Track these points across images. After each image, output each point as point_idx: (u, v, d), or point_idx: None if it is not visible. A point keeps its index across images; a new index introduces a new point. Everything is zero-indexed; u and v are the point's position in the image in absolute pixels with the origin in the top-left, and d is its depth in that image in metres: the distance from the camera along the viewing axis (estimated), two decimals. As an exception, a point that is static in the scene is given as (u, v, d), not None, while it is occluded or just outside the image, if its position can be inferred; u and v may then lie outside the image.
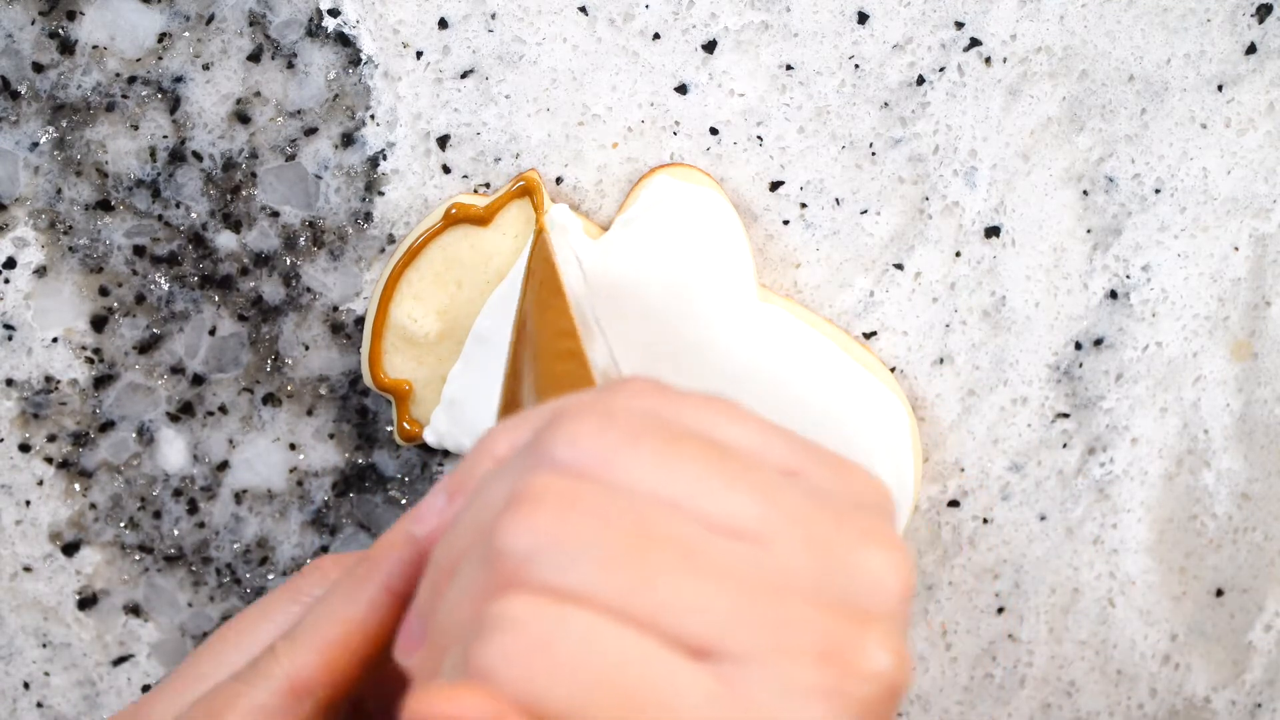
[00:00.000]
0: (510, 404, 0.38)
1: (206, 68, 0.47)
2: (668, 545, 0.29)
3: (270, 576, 0.51)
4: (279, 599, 0.37)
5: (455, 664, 0.29)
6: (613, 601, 0.29)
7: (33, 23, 0.46)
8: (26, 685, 0.52)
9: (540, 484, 0.29)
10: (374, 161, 0.48)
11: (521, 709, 0.28)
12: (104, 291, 0.49)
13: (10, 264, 0.48)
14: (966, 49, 0.48)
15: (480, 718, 0.28)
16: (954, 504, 0.53)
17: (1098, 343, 0.52)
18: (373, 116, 0.47)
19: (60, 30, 0.46)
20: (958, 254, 0.50)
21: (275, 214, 0.48)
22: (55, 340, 0.49)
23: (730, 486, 0.30)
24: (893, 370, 0.51)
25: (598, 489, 0.29)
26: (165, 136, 0.47)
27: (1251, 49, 0.49)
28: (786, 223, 0.49)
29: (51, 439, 0.50)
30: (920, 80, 0.48)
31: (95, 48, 0.46)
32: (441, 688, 0.28)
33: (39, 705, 0.52)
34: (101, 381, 0.49)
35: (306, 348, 0.50)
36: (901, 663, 0.30)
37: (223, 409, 0.50)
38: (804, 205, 0.49)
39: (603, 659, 0.28)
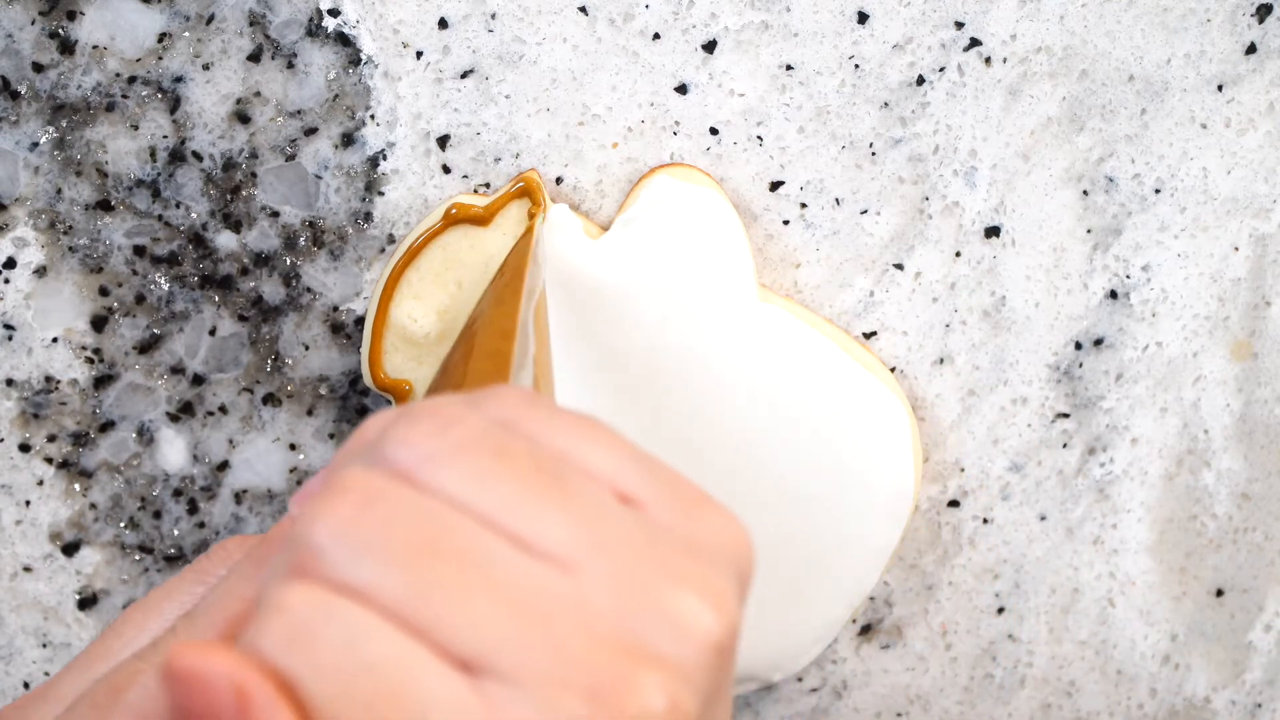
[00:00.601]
0: (432, 389, 0.39)
1: (206, 68, 0.47)
2: (459, 557, 0.29)
3: (270, 576, 0.52)
4: (184, 580, 0.37)
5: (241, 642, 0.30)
6: (389, 603, 0.29)
7: (33, 23, 0.46)
8: (26, 685, 0.52)
9: (351, 478, 0.30)
10: (374, 161, 0.48)
11: (280, 685, 0.29)
12: (104, 291, 0.49)
13: (10, 264, 0.48)
14: (966, 49, 0.48)
15: (220, 674, 0.28)
16: (954, 504, 0.53)
17: (1098, 343, 0.52)
18: (373, 116, 0.47)
19: (60, 30, 0.46)
20: (958, 254, 0.50)
21: (275, 214, 0.48)
22: (55, 340, 0.49)
23: (547, 509, 0.30)
24: (893, 370, 0.51)
25: (405, 492, 0.30)
26: (165, 136, 0.47)
27: (1251, 49, 0.49)
28: (786, 223, 0.49)
29: (51, 439, 0.50)
30: (920, 80, 0.48)
31: (95, 48, 0.46)
32: (197, 645, 0.29)
33: (39, 705, 0.52)
34: (101, 381, 0.49)
35: (306, 348, 0.50)
36: (677, 712, 0.29)
37: (223, 409, 0.50)
38: (804, 205, 0.49)
39: (365, 656, 0.29)
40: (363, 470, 0.30)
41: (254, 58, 0.47)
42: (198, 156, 0.48)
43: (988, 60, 0.48)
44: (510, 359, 0.39)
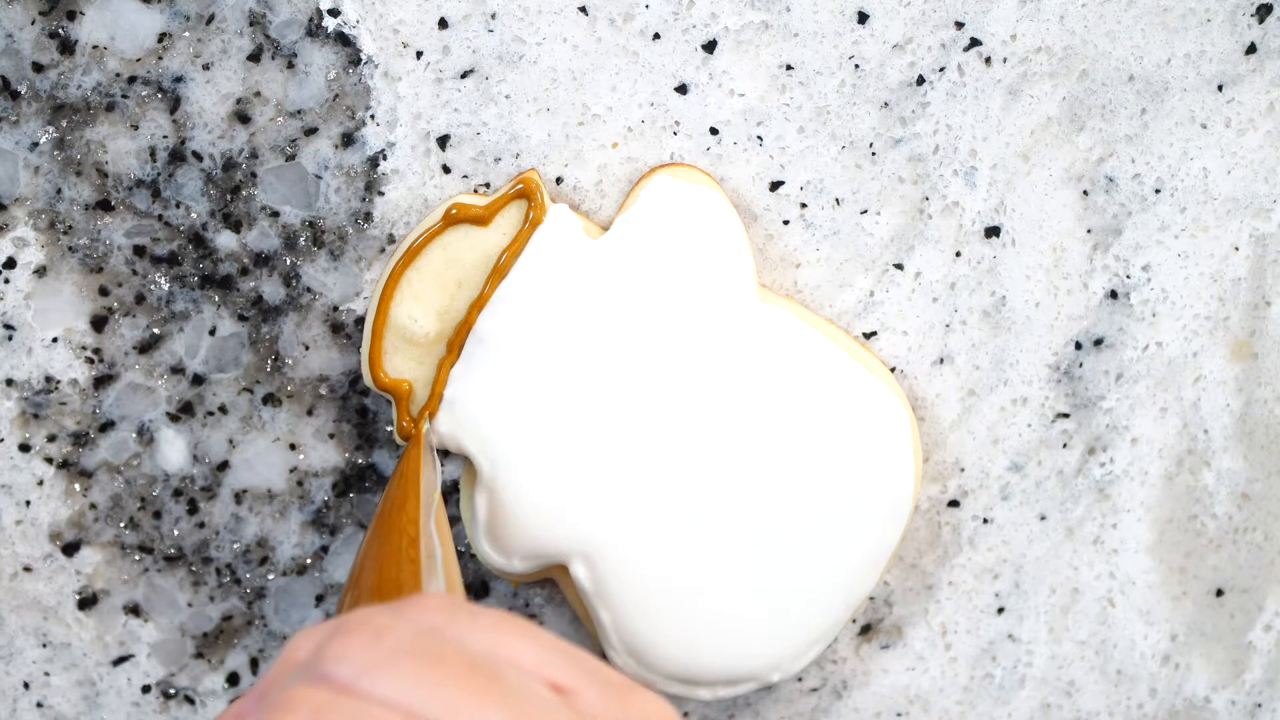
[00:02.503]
0: (344, 600, 0.40)
1: (206, 68, 0.47)
2: None
3: (270, 576, 0.51)
4: None
5: None
6: None
7: (33, 23, 0.46)
8: (26, 685, 0.52)
9: (294, 696, 0.31)
10: (374, 161, 0.48)
11: None
12: (104, 291, 0.49)
13: (10, 264, 0.48)
14: (966, 49, 0.48)
15: None
16: (954, 504, 0.53)
17: (1098, 343, 0.52)
18: (373, 116, 0.47)
19: (60, 30, 0.46)
20: (958, 254, 0.50)
21: (275, 214, 0.48)
22: (55, 340, 0.49)
23: (488, 707, 0.31)
24: (893, 370, 0.51)
25: (350, 703, 0.30)
26: (165, 136, 0.47)
27: (1251, 49, 0.49)
28: (786, 223, 0.49)
29: (51, 439, 0.50)
30: (920, 80, 0.48)
31: (95, 48, 0.46)
32: None
33: (39, 705, 0.52)
34: (101, 381, 0.49)
35: (306, 348, 0.50)
36: None
37: (223, 409, 0.50)
38: (804, 205, 0.49)
39: None
40: (304, 688, 0.31)
41: (254, 58, 0.47)
42: (198, 156, 0.48)
43: (988, 60, 0.48)
44: (420, 565, 0.40)
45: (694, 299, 0.48)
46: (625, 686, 0.33)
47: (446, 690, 0.31)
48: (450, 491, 0.50)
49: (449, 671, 0.31)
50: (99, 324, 0.49)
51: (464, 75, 0.47)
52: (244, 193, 0.48)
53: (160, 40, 0.46)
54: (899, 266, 0.50)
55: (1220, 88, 0.49)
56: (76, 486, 0.50)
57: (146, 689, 0.52)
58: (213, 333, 0.49)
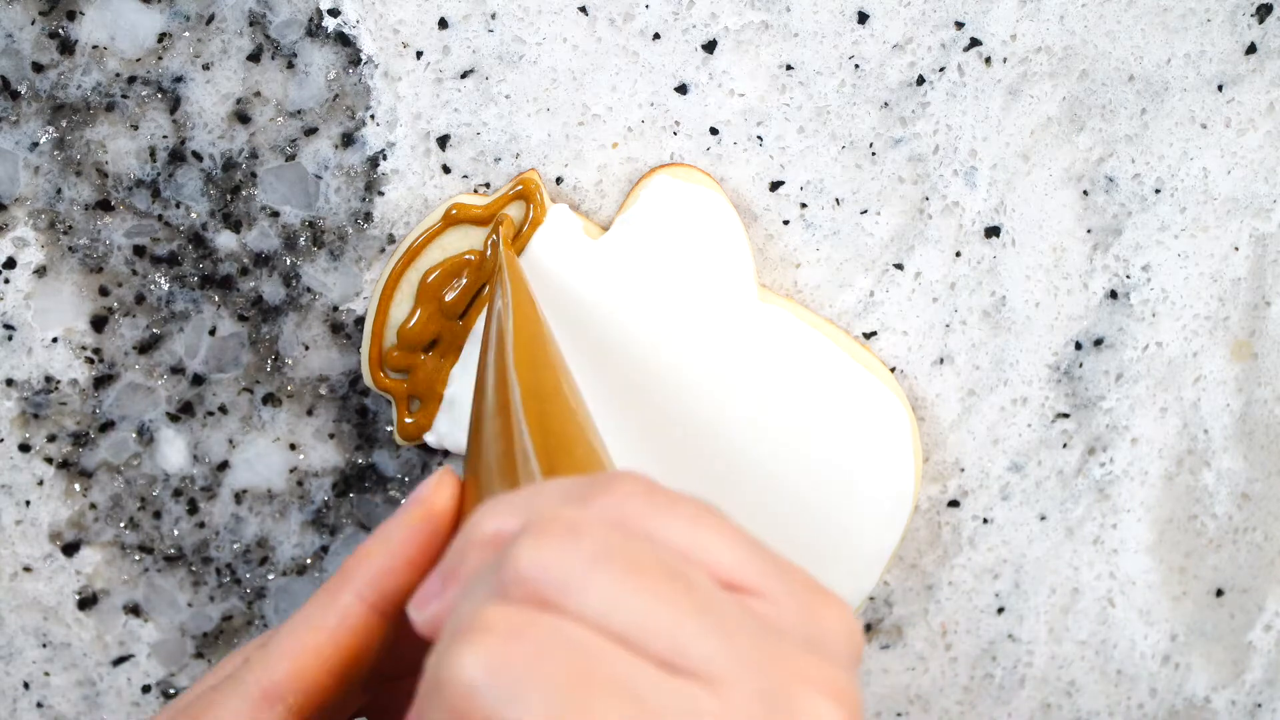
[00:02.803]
0: (486, 446, 0.39)
1: (206, 68, 0.47)
2: (612, 687, 0.30)
3: (270, 576, 0.52)
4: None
5: None
6: None
7: (33, 23, 0.46)
8: (26, 685, 0.52)
9: (491, 616, 0.30)
10: (374, 161, 0.48)
11: None
12: (104, 291, 0.49)
13: (10, 264, 0.48)
14: (966, 49, 0.48)
15: None
16: (954, 504, 0.53)
17: (1098, 343, 0.52)
18: (373, 116, 0.47)
19: (60, 30, 0.46)
20: (958, 254, 0.50)
21: (275, 214, 0.48)
22: (55, 340, 0.49)
23: (685, 624, 0.30)
24: (893, 370, 0.51)
25: (549, 621, 0.30)
26: (165, 136, 0.47)
27: (1251, 49, 0.49)
28: (786, 223, 0.49)
29: (51, 439, 0.50)
30: (920, 80, 0.48)
31: (95, 48, 0.46)
32: None
33: (39, 705, 0.52)
34: (101, 381, 0.49)
35: (306, 348, 0.50)
36: None
37: (223, 409, 0.50)
38: (804, 205, 0.49)
39: None
40: (500, 606, 0.30)
41: (254, 58, 0.47)
42: (198, 156, 0.48)
43: (988, 60, 0.48)
44: (583, 418, 0.39)
45: (694, 299, 0.48)
46: (816, 592, 0.33)
47: (644, 603, 0.30)
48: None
49: (646, 582, 0.31)
50: (99, 324, 0.49)
51: (464, 75, 0.47)
52: (244, 193, 0.48)
53: (160, 40, 0.46)
54: (899, 266, 0.50)
55: (1220, 88, 0.49)
56: (76, 486, 0.50)
57: (146, 689, 0.52)
58: (213, 333, 0.49)
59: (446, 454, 0.50)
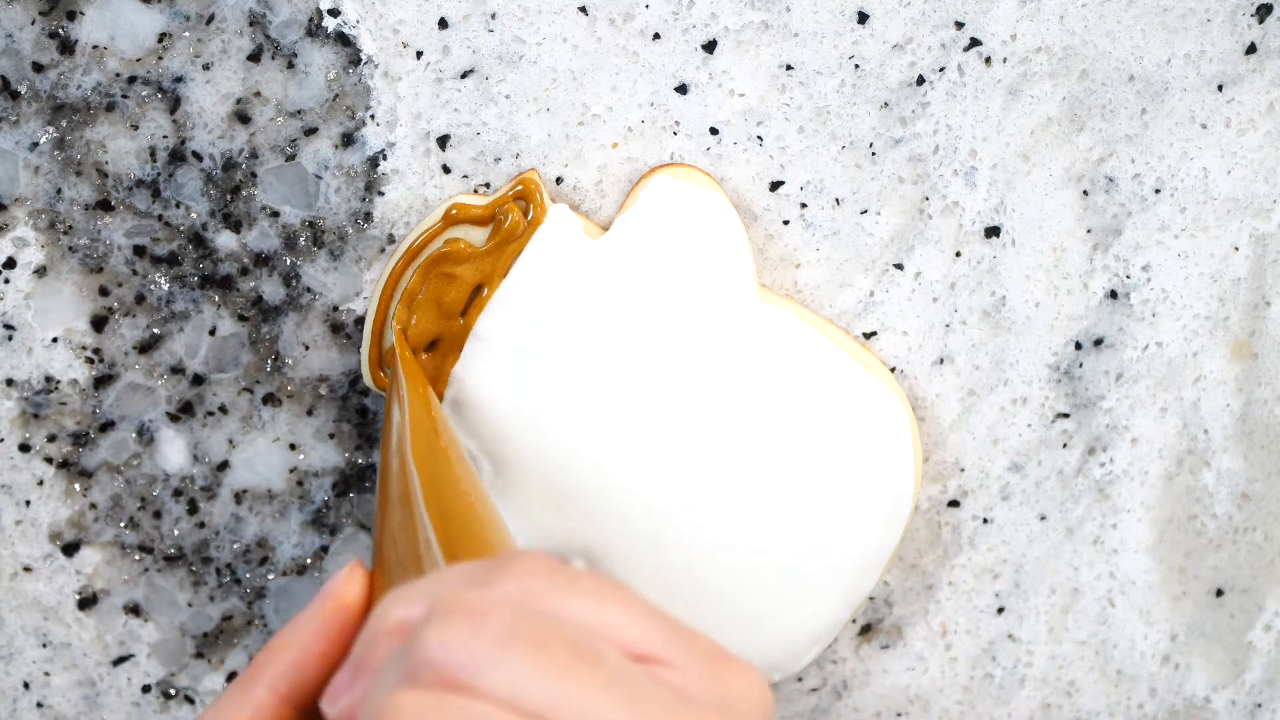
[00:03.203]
0: (391, 537, 0.40)
1: (206, 68, 0.47)
2: None
3: (270, 576, 0.52)
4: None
5: None
6: None
7: (33, 23, 0.46)
8: (26, 685, 0.52)
9: (403, 702, 0.30)
10: (374, 161, 0.48)
11: None
12: (104, 291, 0.49)
13: (10, 264, 0.48)
14: (966, 49, 0.48)
15: None
16: (954, 504, 0.53)
17: (1098, 343, 0.52)
18: (373, 116, 0.47)
19: (60, 30, 0.46)
20: (958, 254, 0.50)
21: (275, 214, 0.48)
22: (55, 340, 0.49)
23: (597, 697, 0.31)
24: (893, 370, 0.51)
25: (459, 704, 0.30)
26: (165, 136, 0.47)
27: (1251, 49, 0.49)
28: (786, 223, 0.49)
29: (51, 439, 0.50)
30: (920, 80, 0.48)
31: (95, 48, 0.46)
32: None
33: (39, 705, 0.52)
34: (101, 381, 0.49)
35: (306, 348, 0.50)
36: None
37: (223, 409, 0.50)
38: (804, 205, 0.49)
39: None
40: (410, 692, 0.31)
41: (254, 58, 0.47)
42: (198, 156, 0.48)
43: (988, 60, 0.48)
44: (481, 509, 0.40)
45: (694, 299, 0.48)
46: (722, 658, 0.33)
47: (554, 680, 0.31)
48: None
49: (554, 659, 0.31)
50: (99, 324, 0.49)
51: (464, 75, 0.47)
52: (244, 193, 0.48)
53: (160, 40, 0.46)
54: (899, 266, 0.50)
55: (1220, 88, 0.49)
56: (76, 486, 0.50)
57: (146, 689, 0.52)
58: (213, 333, 0.49)
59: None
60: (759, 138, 0.49)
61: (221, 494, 0.51)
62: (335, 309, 0.49)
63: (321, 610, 0.37)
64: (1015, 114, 0.49)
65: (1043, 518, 0.53)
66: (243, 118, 0.47)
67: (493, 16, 0.46)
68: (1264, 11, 0.49)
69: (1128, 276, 0.51)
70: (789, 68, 0.48)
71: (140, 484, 0.50)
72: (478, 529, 0.39)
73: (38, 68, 0.46)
